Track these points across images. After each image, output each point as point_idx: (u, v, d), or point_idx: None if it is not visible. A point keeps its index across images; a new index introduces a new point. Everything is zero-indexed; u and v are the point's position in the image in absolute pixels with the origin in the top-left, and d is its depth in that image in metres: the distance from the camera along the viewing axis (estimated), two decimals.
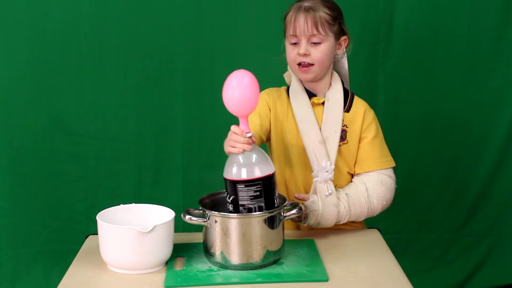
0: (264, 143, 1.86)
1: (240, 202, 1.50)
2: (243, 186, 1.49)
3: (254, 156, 1.50)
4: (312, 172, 1.76)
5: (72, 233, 2.57)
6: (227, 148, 1.52)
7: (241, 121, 1.51)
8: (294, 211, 1.58)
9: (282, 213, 1.56)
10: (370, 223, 1.90)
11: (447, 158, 2.68)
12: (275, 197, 1.53)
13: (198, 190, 2.51)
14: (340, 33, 1.81)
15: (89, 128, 2.53)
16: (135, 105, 2.53)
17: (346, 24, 2.56)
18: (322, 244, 1.69)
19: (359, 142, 1.83)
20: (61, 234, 2.59)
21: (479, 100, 2.63)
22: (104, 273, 1.53)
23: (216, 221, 1.51)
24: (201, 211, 1.55)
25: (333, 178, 1.76)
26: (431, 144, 2.66)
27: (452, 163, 2.68)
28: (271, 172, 1.51)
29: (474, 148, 2.67)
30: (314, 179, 1.76)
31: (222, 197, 1.68)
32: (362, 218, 1.83)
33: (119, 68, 2.49)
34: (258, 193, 1.49)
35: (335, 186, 1.76)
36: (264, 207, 1.50)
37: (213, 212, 1.52)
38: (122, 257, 1.50)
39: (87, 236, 1.77)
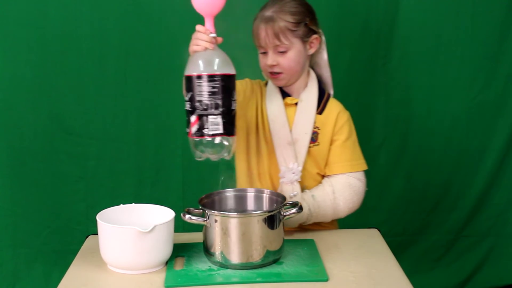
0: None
1: (197, 98, 1.47)
2: (201, 81, 1.47)
3: (216, 54, 1.50)
4: (280, 172, 1.77)
5: (72, 233, 2.57)
6: (190, 47, 1.53)
7: (206, 20, 1.52)
8: (294, 211, 1.58)
9: (282, 213, 1.56)
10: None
11: (449, 159, 2.67)
12: (233, 99, 1.50)
13: (198, 190, 2.50)
14: (308, 34, 1.78)
15: (89, 128, 2.53)
16: (135, 105, 2.53)
17: (348, 24, 2.56)
18: (322, 244, 1.69)
19: (330, 145, 1.82)
20: (61, 234, 2.59)
21: (481, 102, 2.62)
22: (104, 273, 1.53)
23: (216, 221, 1.51)
24: (201, 210, 1.55)
25: (299, 180, 1.77)
26: (432, 145, 2.66)
27: (454, 164, 2.68)
28: (231, 73, 1.49)
29: (476, 149, 2.67)
30: (281, 180, 1.77)
31: (222, 197, 1.68)
32: (328, 220, 1.83)
33: (119, 68, 2.49)
34: (216, 89, 1.47)
35: (303, 187, 1.77)
36: (220, 105, 1.47)
37: (213, 211, 1.52)
38: (122, 257, 1.50)
39: (87, 236, 1.78)
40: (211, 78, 1.46)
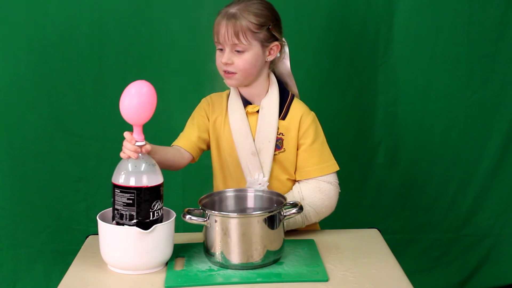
0: (207, 150, 1.86)
1: (115, 206, 1.51)
2: (119, 191, 1.49)
3: (139, 165, 1.51)
4: (246, 184, 1.76)
5: (72, 233, 2.56)
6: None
7: (134, 129, 1.52)
8: (294, 211, 1.58)
9: (282, 213, 1.56)
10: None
11: (447, 158, 2.68)
12: (152, 210, 1.50)
13: (198, 190, 2.50)
14: (269, 39, 1.74)
15: (89, 129, 2.53)
16: None
17: (347, 24, 2.56)
18: (322, 244, 1.69)
19: (297, 149, 1.79)
20: (61, 234, 2.58)
21: (478, 100, 2.63)
22: (104, 273, 1.53)
23: (216, 221, 1.51)
24: (201, 210, 1.55)
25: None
26: (430, 144, 2.66)
27: (452, 163, 2.68)
28: (148, 185, 1.49)
29: (473, 148, 2.67)
30: None
31: (222, 197, 1.68)
32: (301, 226, 1.80)
33: (119, 68, 2.49)
34: (130, 201, 1.48)
35: None
36: (135, 217, 1.48)
37: (213, 211, 1.52)
38: (122, 258, 1.50)
39: (87, 236, 1.78)
40: (127, 190, 1.48)
